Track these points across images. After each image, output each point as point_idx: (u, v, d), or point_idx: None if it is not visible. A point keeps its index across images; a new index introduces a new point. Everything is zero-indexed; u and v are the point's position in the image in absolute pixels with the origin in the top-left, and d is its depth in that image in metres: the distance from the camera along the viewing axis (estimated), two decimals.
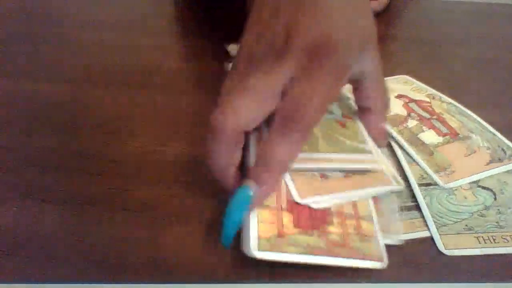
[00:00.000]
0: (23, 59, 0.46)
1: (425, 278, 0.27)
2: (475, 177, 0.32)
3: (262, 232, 0.25)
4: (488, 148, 0.35)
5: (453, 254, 0.28)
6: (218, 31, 0.52)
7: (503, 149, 0.35)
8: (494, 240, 0.29)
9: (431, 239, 0.29)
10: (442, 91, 0.41)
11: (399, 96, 0.40)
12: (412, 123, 0.37)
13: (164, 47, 0.49)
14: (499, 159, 0.34)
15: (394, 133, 0.36)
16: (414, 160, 0.34)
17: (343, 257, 0.25)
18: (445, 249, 0.28)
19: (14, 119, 0.37)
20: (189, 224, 0.29)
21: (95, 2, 0.58)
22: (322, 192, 0.27)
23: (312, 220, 0.26)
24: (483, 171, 0.33)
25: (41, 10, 0.56)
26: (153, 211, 0.30)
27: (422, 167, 0.33)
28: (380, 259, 0.26)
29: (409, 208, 0.31)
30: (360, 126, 0.32)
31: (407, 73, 0.44)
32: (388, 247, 0.27)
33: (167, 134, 0.36)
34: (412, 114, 0.38)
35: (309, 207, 0.27)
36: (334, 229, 0.26)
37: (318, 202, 0.27)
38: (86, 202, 0.30)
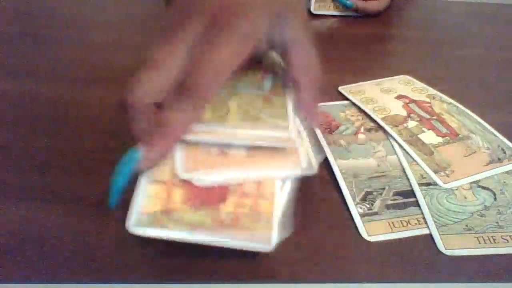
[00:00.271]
0: (23, 59, 0.46)
1: (425, 278, 0.27)
2: (475, 177, 0.32)
3: (145, 207, 0.24)
4: (488, 148, 0.35)
5: (453, 254, 0.28)
6: None
7: (503, 149, 0.35)
8: (494, 240, 0.29)
9: (431, 239, 0.29)
10: (442, 91, 0.41)
11: (399, 97, 0.40)
12: (412, 123, 0.37)
13: None
14: (499, 159, 0.34)
15: (394, 134, 0.36)
16: (414, 160, 0.34)
17: (227, 237, 0.24)
18: (445, 249, 0.28)
19: (14, 119, 0.37)
20: None
21: (96, 2, 0.58)
22: (208, 168, 0.25)
23: (205, 197, 0.25)
24: (483, 171, 0.33)
25: (41, 10, 0.56)
26: None
27: (422, 167, 0.33)
28: (267, 242, 0.24)
29: (408, 205, 0.31)
30: (289, 103, 0.29)
31: (407, 73, 0.44)
32: (389, 247, 0.27)
33: None
34: (412, 115, 0.38)
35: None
36: (226, 208, 0.25)
37: (201, 178, 0.25)
38: (86, 202, 0.30)
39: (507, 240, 0.29)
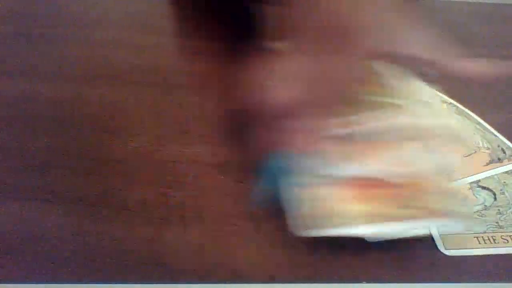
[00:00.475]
0: (23, 59, 0.46)
1: (425, 278, 0.27)
2: (475, 177, 0.32)
3: (311, 209, 0.25)
4: (488, 148, 0.35)
5: (453, 254, 0.28)
6: (218, 31, 0.52)
7: (503, 149, 0.35)
8: (494, 240, 0.29)
9: (432, 239, 0.29)
10: (442, 91, 0.41)
11: None
12: None
13: (165, 46, 0.49)
14: (499, 159, 0.34)
15: None
16: None
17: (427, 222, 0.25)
18: (445, 249, 0.28)
19: (14, 119, 0.37)
20: (188, 224, 0.29)
21: (95, 1, 0.58)
22: (361, 159, 0.26)
23: (369, 189, 0.26)
24: (483, 171, 0.33)
25: (41, 10, 0.56)
26: (153, 211, 0.30)
27: None
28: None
29: None
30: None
31: None
32: (388, 246, 0.27)
33: (167, 134, 0.36)
34: None
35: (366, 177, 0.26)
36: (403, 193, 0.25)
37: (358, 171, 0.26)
38: (87, 202, 0.30)
39: (507, 240, 0.29)
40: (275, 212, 0.27)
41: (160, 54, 0.47)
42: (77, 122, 0.37)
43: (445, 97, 0.40)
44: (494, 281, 0.27)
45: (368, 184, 0.26)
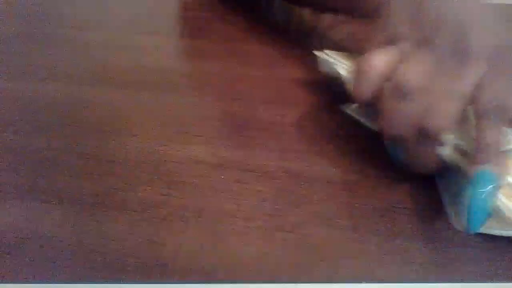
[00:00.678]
0: (23, 59, 0.46)
1: (425, 278, 0.27)
2: None
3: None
4: None
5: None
6: (219, 31, 0.52)
7: None
8: None
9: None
10: None
11: None
12: None
13: (164, 47, 0.49)
14: None
15: None
16: None
17: None
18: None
19: (14, 119, 0.37)
20: (188, 224, 0.29)
21: (95, 1, 0.58)
22: None
23: None
24: None
25: (41, 10, 0.56)
26: (153, 211, 0.30)
27: None
28: None
29: None
30: None
31: None
32: (388, 246, 0.27)
33: (167, 134, 0.36)
34: None
35: None
36: None
37: None
38: (86, 202, 0.30)
39: None
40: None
41: (160, 55, 0.47)
42: (77, 122, 0.37)
43: None
44: (494, 281, 0.27)
45: None
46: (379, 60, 0.30)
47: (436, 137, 0.29)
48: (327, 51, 0.39)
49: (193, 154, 0.34)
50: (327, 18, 0.49)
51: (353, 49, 0.37)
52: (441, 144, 0.29)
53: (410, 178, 0.32)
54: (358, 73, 0.31)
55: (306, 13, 0.55)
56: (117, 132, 0.36)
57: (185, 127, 0.37)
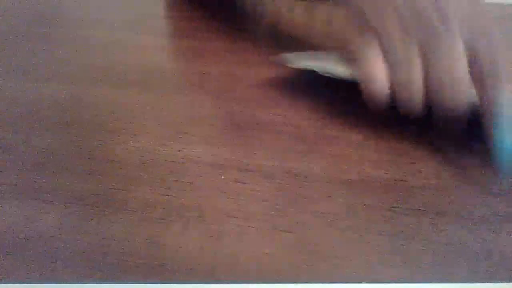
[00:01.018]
0: (24, 59, 0.46)
1: (425, 278, 0.27)
2: None
3: None
4: None
5: None
6: (218, 31, 0.52)
7: None
8: None
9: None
10: None
11: None
12: None
13: (164, 47, 0.49)
14: None
15: None
16: None
17: None
18: None
19: (14, 119, 0.37)
20: (188, 224, 0.29)
21: (95, 1, 0.58)
22: None
23: None
24: None
25: (41, 10, 0.56)
26: (153, 211, 0.30)
27: None
28: None
29: None
30: None
31: None
32: (388, 246, 0.26)
33: (167, 134, 0.36)
34: None
35: None
36: None
37: None
38: (86, 202, 0.30)
39: None
40: None
41: (160, 55, 0.47)
42: (77, 122, 0.37)
43: None
44: (494, 281, 0.27)
45: None
46: (380, 64, 0.32)
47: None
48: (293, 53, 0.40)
49: (193, 154, 0.34)
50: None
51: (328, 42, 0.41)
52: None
53: (410, 178, 0.32)
54: (369, 83, 0.33)
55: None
56: (117, 132, 0.36)
57: (185, 127, 0.37)
